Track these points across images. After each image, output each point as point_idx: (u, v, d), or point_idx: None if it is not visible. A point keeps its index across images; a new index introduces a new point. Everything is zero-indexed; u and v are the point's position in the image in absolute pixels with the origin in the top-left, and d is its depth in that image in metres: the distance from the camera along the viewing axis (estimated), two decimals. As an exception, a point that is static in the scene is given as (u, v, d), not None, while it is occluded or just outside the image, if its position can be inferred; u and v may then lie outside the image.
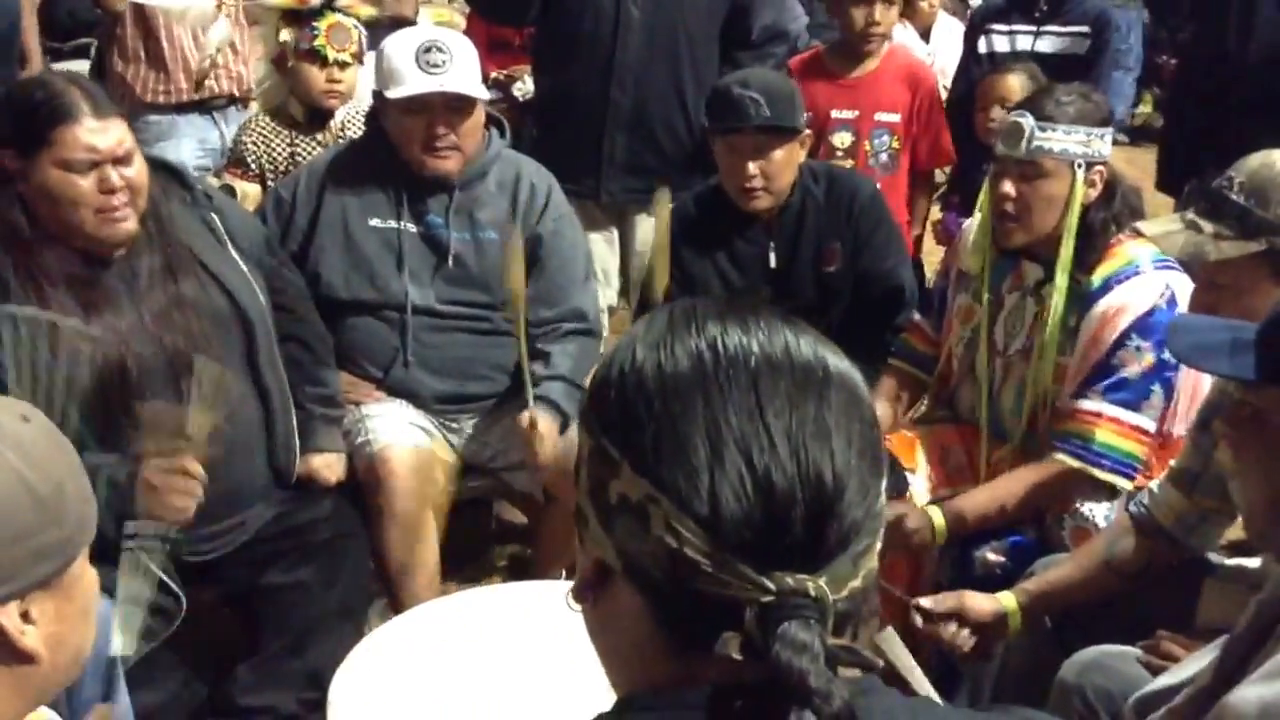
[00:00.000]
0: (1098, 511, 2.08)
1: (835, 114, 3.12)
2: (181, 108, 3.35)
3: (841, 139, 3.14)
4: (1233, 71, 3.23)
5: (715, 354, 0.74)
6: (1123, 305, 2.04)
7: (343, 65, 2.84)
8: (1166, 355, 2.00)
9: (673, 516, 0.71)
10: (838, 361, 0.77)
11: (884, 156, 3.18)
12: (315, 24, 2.82)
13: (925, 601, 1.87)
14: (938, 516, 2.09)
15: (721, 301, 0.79)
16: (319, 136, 2.89)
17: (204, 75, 3.32)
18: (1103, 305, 2.05)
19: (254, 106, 3.37)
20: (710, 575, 0.70)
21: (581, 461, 0.78)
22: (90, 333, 1.77)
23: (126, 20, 3.29)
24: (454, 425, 2.50)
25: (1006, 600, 1.88)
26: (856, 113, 3.15)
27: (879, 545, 0.75)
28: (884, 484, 0.76)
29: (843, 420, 0.73)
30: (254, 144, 2.86)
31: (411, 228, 2.44)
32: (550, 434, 2.31)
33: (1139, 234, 2.03)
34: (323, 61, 2.82)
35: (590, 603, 0.78)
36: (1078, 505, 2.09)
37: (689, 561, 0.70)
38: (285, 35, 2.86)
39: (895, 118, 3.18)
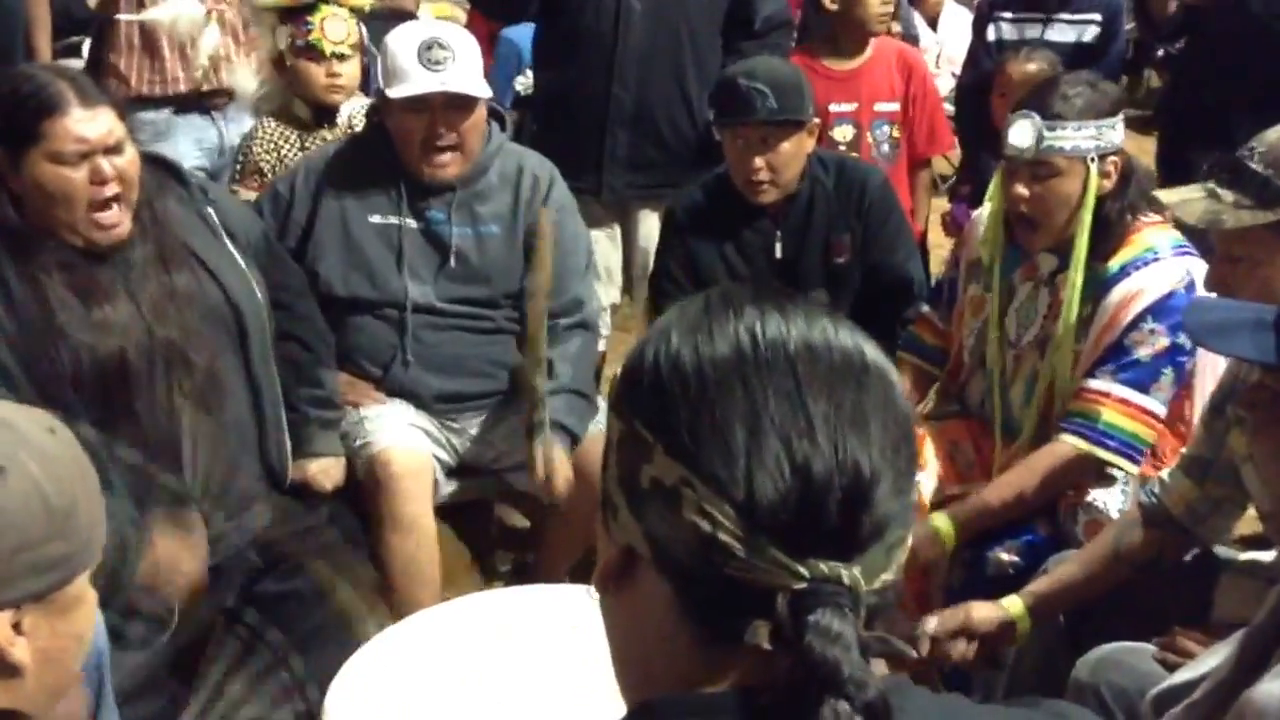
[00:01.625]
0: (1111, 504, 2.05)
1: (834, 108, 3.08)
2: (180, 105, 3.31)
3: (843, 133, 3.11)
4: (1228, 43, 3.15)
5: (754, 339, 0.73)
6: (1140, 289, 2.00)
7: (341, 58, 2.77)
8: (1181, 339, 1.98)
9: (707, 500, 0.70)
10: (874, 351, 0.76)
11: (885, 147, 3.15)
12: (309, 19, 2.76)
13: (931, 623, 1.84)
14: (943, 523, 2.05)
15: (757, 288, 0.77)
16: (327, 135, 2.82)
17: (199, 85, 3.28)
18: (1120, 290, 2.02)
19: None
20: (743, 560, 0.69)
21: (610, 448, 0.77)
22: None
23: (121, 12, 3.25)
24: (455, 425, 2.45)
25: (1013, 606, 1.85)
26: (856, 105, 3.12)
27: (910, 539, 0.73)
28: (917, 476, 0.74)
29: (880, 409, 0.73)
30: (265, 152, 2.78)
31: (412, 224, 2.40)
32: (565, 469, 2.28)
33: (1158, 211, 1.99)
34: (320, 56, 2.76)
35: (614, 591, 0.77)
36: (1091, 498, 2.05)
37: (722, 546, 0.69)
38: (282, 33, 2.81)
39: (894, 107, 3.15)
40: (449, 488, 2.46)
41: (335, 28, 2.77)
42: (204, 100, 3.33)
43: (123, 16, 3.20)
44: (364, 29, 2.91)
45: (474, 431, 2.46)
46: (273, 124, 2.83)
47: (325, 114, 2.83)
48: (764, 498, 0.69)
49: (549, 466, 2.27)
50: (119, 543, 1.69)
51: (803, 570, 0.68)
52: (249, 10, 3.15)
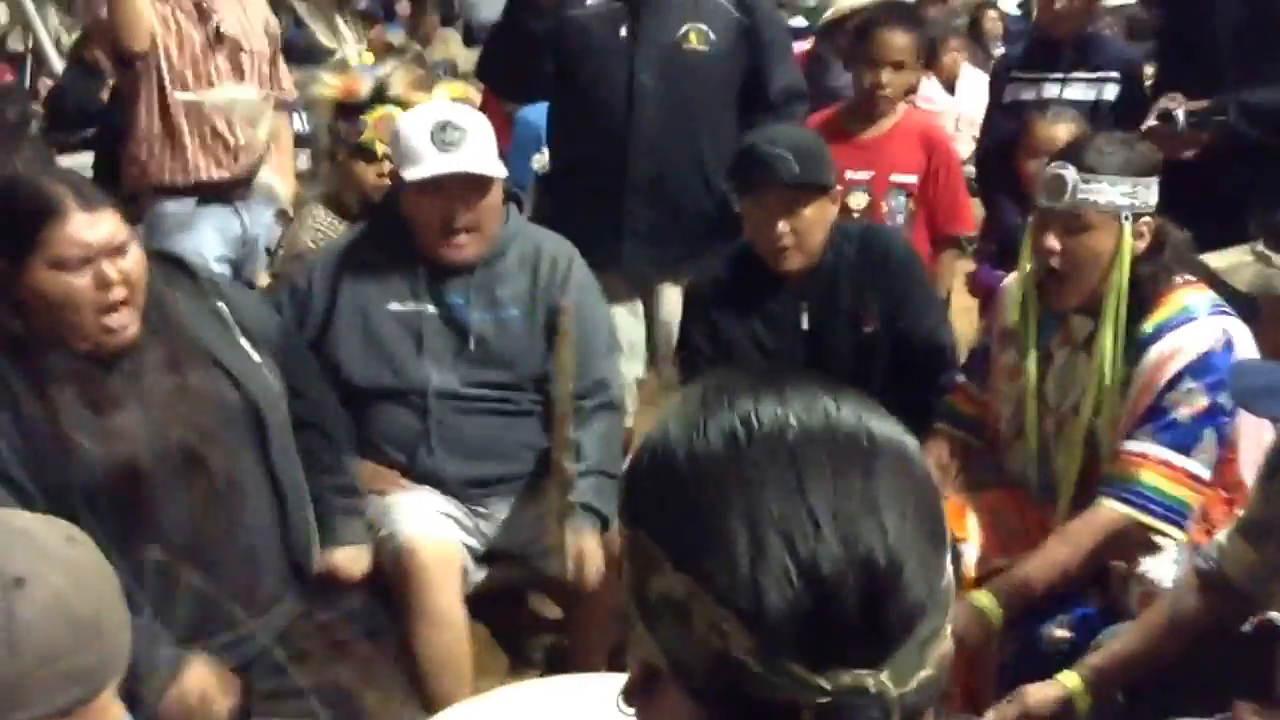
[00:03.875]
0: (1165, 574, 1.96)
1: (850, 175, 3.06)
2: (203, 195, 3.33)
3: (857, 200, 3.09)
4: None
5: (750, 430, 0.69)
6: (1176, 349, 1.95)
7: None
8: (1221, 399, 1.93)
9: (716, 615, 0.66)
10: (884, 426, 0.71)
11: (900, 217, 3.12)
12: (363, 117, 2.76)
13: (989, 717, 1.76)
14: (987, 601, 1.97)
15: (757, 371, 0.74)
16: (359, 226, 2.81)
17: (254, 169, 3.30)
18: (1155, 351, 1.97)
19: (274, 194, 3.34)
20: (760, 677, 0.65)
21: (623, 556, 0.73)
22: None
23: (141, 102, 3.28)
24: (483, 511, 2.41)
25: (1069, 680, 1.77)
26: (871, 174, 3.10)
27: (950, 625, 0.68)
28: (947, 556, 0.69)
29: (893, 491, 0.68)
30: (313, 241, 2.76)
31: (431, 309, 2.38)
32: (596, 555, 2.24)
33: (1193, 280, 1.95)
34: (372, 156, 2.75)
35: (641, 707, 0.72)
36: (1143, 569, 1.97)
37: (737, 663, 0.66)
38: (337, 128, 2.81)
39: (911, 179, 3.13)
40: (479, 575, 2.41)
41: (388, 128, 2.75)
42: (226, 191, 3.35)
43: (182, 96, 3.24)
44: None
45: (502, 516, 2.42)
46: (322, 212, 2.82)
47: (373, 208, 2.82)
48: (773, 608, 0.65)
49: (579, 554, 2.22)
50: (152, 674, 1.65)
51: (824, 684, 0.64)
52: (308, 99, 3.18)
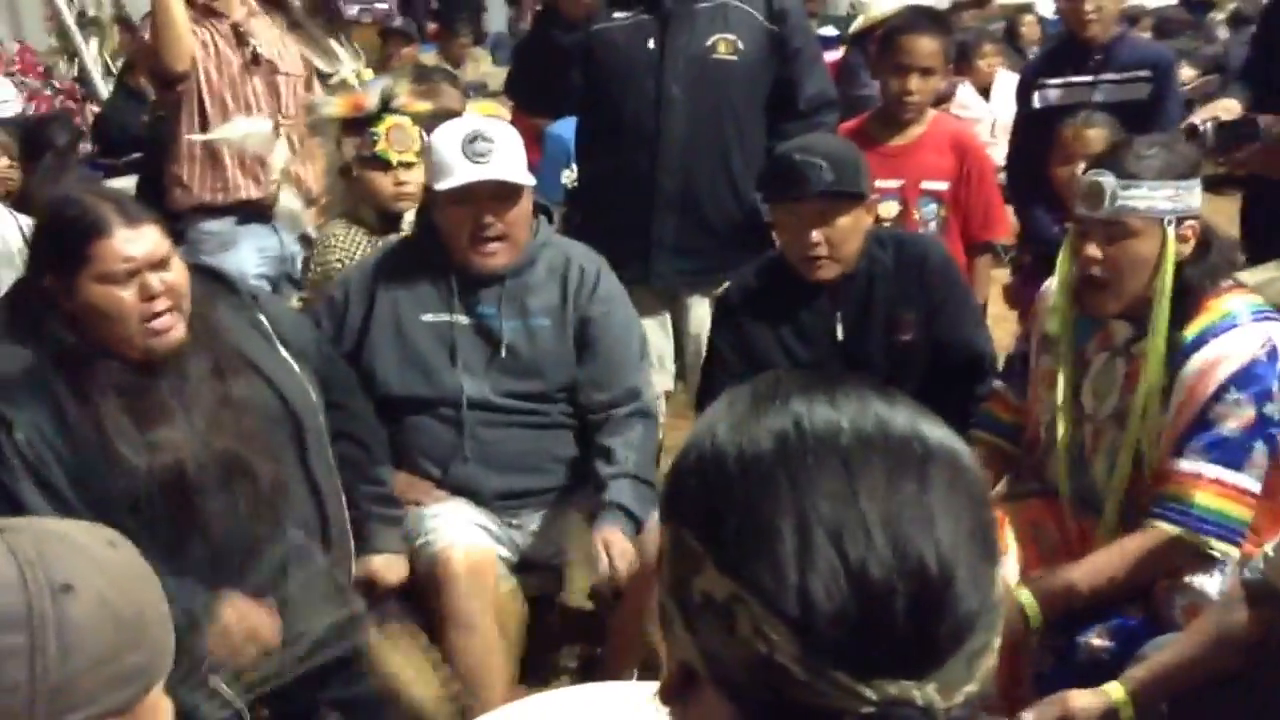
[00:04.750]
0: (1210, 585, 1.93)
1: (880, 183, 3.02)
2: (243, 215, 3.39)
3: (888, 209, 3.05)
4: None
5: (801, 432, 0.67)
6: (1219, 357, 1.91)
7: (407, 166, 2.78)
8: (1268, 409, 1.88)
9: (761, 618, 0.64)
10: (938, 433, 0.69)
11: (933, 224, 3.08)
12: (374, 129, 2.79)
13: (1028, 716, 1.73)
14: (1027, 599, 1.94)
15: (808, 374, 0.72)
16: (394, 238, 2.84)
17: (273, 199, 3.35)
18: (1198, 359, 1.92)
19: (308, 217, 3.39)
20: (804, 684, 0.64)
21: (663, 555, 0.71)
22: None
23: (182, 123, 3.35)
24: (515, 522, 2.43)
25: (1114, 692, 1.73)
26: (901, 182, 3.07)
27: (997, 641, 0.66)
28: (998, 569, 0.67)
29: (946, 500, 0.66)
30: (338, 260, 2.79)
31: (464, 319, 2.41)
32: (626, 552, 2.22)
33: (1239, 285, 1.91)
34: (386, 166, 2.79)
35: (677, 707, 0.72)
36: (1188, 580, 1.94)
37: (780, 668, 0.64)
38: (347, 144, 2.85)
39: (942, 186, 3.09)
40: (511, 584, 2.42)
41: (399, 137, 2.79)
42: (265, 209, 3.40)
43: (195, 136, 3.30)
44: (425, 133, 2.94)
45: (534, 528, 2.43)
46: (343, 228, 2.86)
47: (391, 218, 2.85)
48: (820, 613, 0.63)
49: (609, 547, 2.20)
50: (187, 618, 1.67)
51: (869, 693, 0.63)
52: (311, 122, 3.23)
